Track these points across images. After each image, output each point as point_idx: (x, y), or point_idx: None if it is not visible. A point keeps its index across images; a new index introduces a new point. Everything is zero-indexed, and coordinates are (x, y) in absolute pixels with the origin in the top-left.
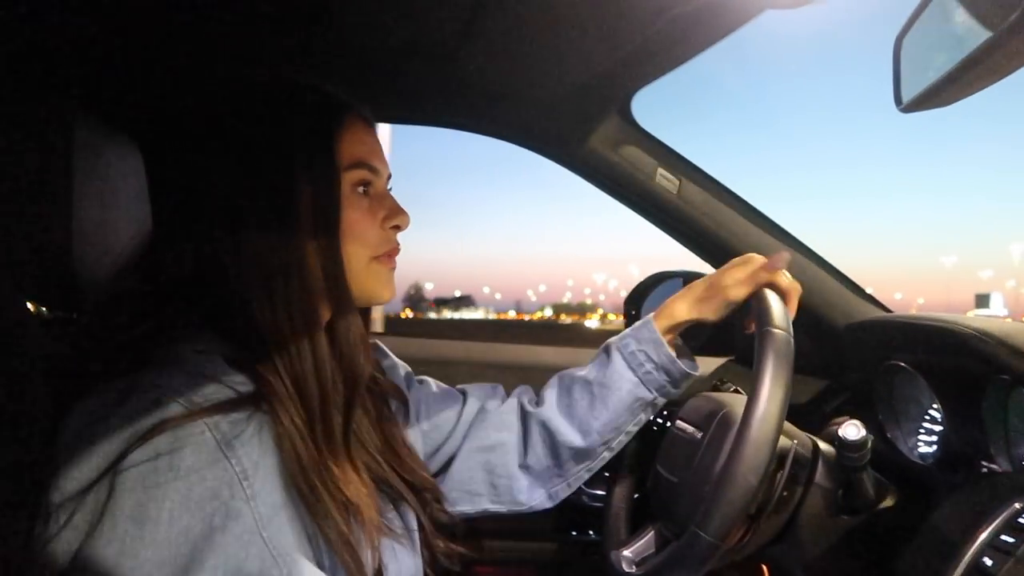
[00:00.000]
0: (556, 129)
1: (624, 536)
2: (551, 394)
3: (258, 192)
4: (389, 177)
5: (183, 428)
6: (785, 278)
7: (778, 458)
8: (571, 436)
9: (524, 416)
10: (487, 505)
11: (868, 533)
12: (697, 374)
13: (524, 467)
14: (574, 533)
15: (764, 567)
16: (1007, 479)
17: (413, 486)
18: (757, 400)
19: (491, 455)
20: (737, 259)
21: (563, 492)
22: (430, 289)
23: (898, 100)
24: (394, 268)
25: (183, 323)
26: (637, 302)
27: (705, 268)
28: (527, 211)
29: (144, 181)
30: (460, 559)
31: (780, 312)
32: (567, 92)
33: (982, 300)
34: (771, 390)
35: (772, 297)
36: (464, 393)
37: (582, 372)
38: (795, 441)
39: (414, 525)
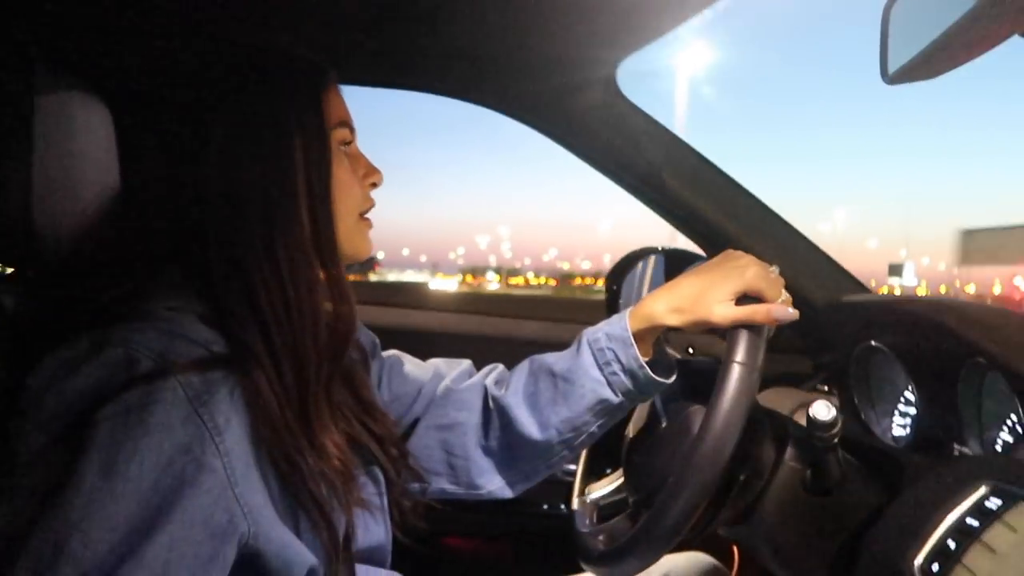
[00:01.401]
0: (539, 98)
1: (595, 506)
2: (518, 379)
3: (251, 152)
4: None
5: (154, 384)
6: (773, 272)
7: (738, 458)
8: (529, 427)
9: (486, 398)
10: (445, 485)
11: (836, 513)
12: (667, 383)
13: (485, 450)
14: (545, 507)
15: (734, 546)
16: (976, 462)
17: (381, 441)
18: (709, 428)
19: (449, 434)
20: (726, 265)
21: (521, 485)
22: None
23: (884, 72)
24: (371, 226)
25: (156, 281)
26: (618, 277)
27: (687, 244)
28: (450, 170)
29: (112, 137)
30: (427, 517)
31: (754, 347)
32: (551, 60)
33: (895, 269)
34: (725, 421)
35: (751, 332)
36: (432, 368)
37: (551, 360)
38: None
39: (383, 489)
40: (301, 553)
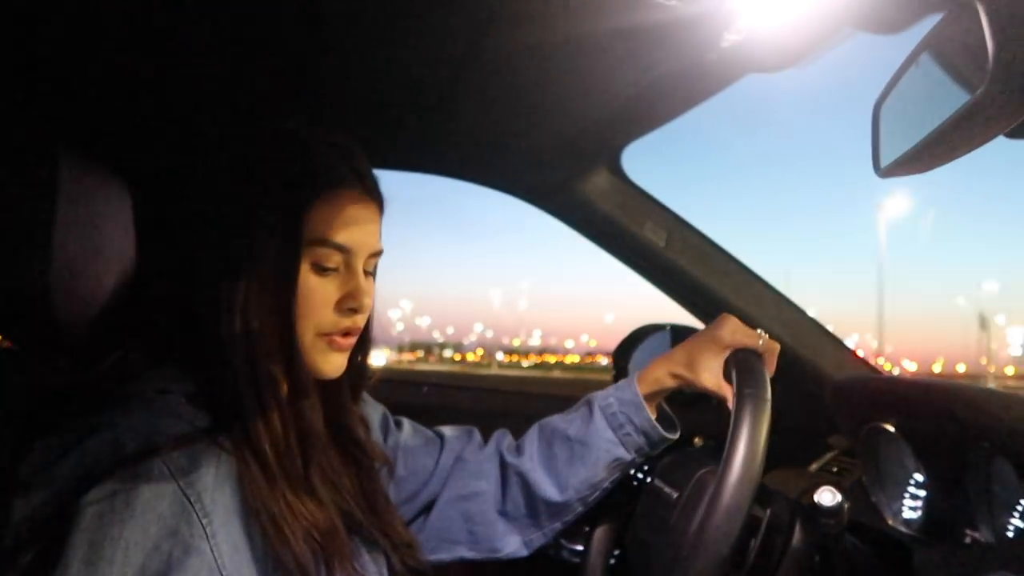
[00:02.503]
0: (545, 180)
1: None
2: (531, 446)
3: (224, 247)
4: (378, 255)
5: (140, 466)
6: (762, 338)
7: (750, 526)
8: (548, 490)
9: (503, 465)
10: (464, 552)
11: None
12: (675, 438)
13: (502, 513)
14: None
15: None
16: (988, 551)
17: (386, 532)
18: (731, 466)
19: (470, 504)
20: (711, 330)
21: (538, 541)
22: None
23: (876, 165)
24: (345, 348)
25: (146, 362)
26: (625, 354)
27: (691, 320)
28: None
29: (131, 223)
30: None
31: (758, 375)
32: (556, 145)
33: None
34: (745, 455)
35: (751, 359)
36: (441, 437)
37: (563, 426)
38: (768, 510)
39: (385, 571)
40: None
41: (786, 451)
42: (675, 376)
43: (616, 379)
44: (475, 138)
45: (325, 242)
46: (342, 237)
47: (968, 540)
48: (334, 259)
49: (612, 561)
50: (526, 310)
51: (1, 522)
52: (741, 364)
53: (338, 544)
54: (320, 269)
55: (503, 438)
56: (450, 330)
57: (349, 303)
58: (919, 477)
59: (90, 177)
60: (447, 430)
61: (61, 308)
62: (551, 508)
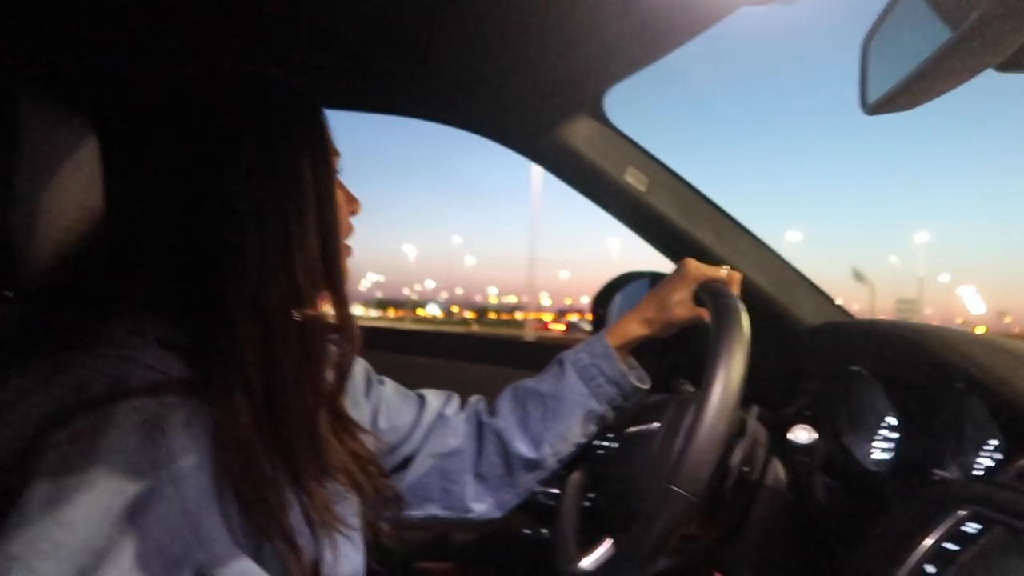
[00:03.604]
0: (526, 123)
1: (576, 539)
2: (505, 405)
3: (260, 179)
4: None
5: (106, 408)
6: (725, 270)
7: (739, 423)
8: (523, 447)
9: (479, 425)
10: (436, 511)
11: (817, 537)
12: (646, 387)
13: (477, 475)
14: (526, 532)
15: (714, 573)
16: (955, 487)
17: (361, 460)
18: (719, 357)
19: (447, 462)
20: (676, 272)
21: (512, 501)
22: None
23: (864, 102)
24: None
25: (121, 305)
26: (605, 302)
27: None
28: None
29: (97, 162)
30: (404, 542)
31: (728, 291)
32: (538, 87)
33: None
34: (734, 348)
35: (719, 283)
36: (422, 398)
37: (536, 385)
38: (742, 444)
39: (359, 511)
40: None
41: (762, 395)
42: (647, 322)
43: (594, 328)
44: (453, 80)
45: (335, 152)
46: (334, 144)
47: (936, 478)
48: (338, 168)
49: (587, 504)
50: (486, 268)
51: None
52: (711, 286)
53: (320, 506)
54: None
55: (479, 402)
56: (419, 288)
57: (353, 206)
58: (891, 419)
59: (53, 116)
60: (428, 392)
61: (23, 248)
62: (526, 465)
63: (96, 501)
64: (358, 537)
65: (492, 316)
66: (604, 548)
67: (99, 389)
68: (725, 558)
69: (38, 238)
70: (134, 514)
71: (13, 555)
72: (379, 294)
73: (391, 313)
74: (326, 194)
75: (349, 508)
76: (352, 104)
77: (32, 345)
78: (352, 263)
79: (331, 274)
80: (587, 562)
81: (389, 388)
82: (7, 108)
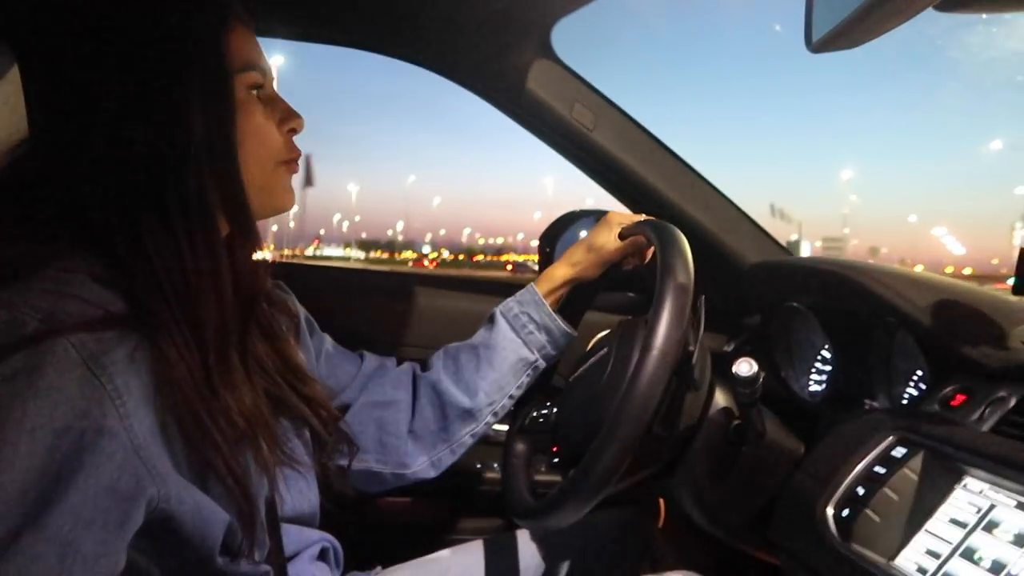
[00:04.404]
0: (471, 55)
1: (526, 472)
2: (438, 361)
3: (145, 99)
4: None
5: (43, 345)
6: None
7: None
8: (458, 397)
9: (415, 378)
10: (372, 464)
11: (757, 464)
12: (574, 333)
13: (414, 429)
14: (478, 465)
15: (660, 501)
16: (885, 415)
17: (309, 401)
18: (669, 264)
19: (385, 412)
20: (600, 221)
21: (447, 459)
22: None
23: (808, 40)
24: (295, 173)
25: (50, 240)
26: (552, 240)
27: (618, 206)
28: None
29: (17, 87)
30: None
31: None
32: (485, 19)
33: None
34: (679, 257)
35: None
36: (362, 354)
37: (468, 341)
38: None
39: (311, 450)
40: (216, 512)
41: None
42: (573, 264)
43: (541, 266)
44: (398, 11)
45: (251, 65)
46: (259, 59)
47: (867, 407)
48: (259, 82)
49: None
50: (452, 208)
51: None
52: (646, 223)
53: (265, 432)
54: (254, 94)
55: (414, 364)
56: (400, 227)
57: (289, 123)
58: (826, 353)
59: None
60: (364, 352)
61: None
62: (461, 415)
63: (39, 440)
64: (311, 475)
65: (479, 258)
66: (555, 477)
67: (33, 326)
68: (669, 486)
69: None
70: (81, 452)
71: None
72: (364, 234)
73: (379, 255)
74: (217, 124)
75: (300, 447)
76: (299, 35)
77: None
78: (319, 202)
79: (229, 211)
80: (535, 494)
81: (329, 341)
82: None
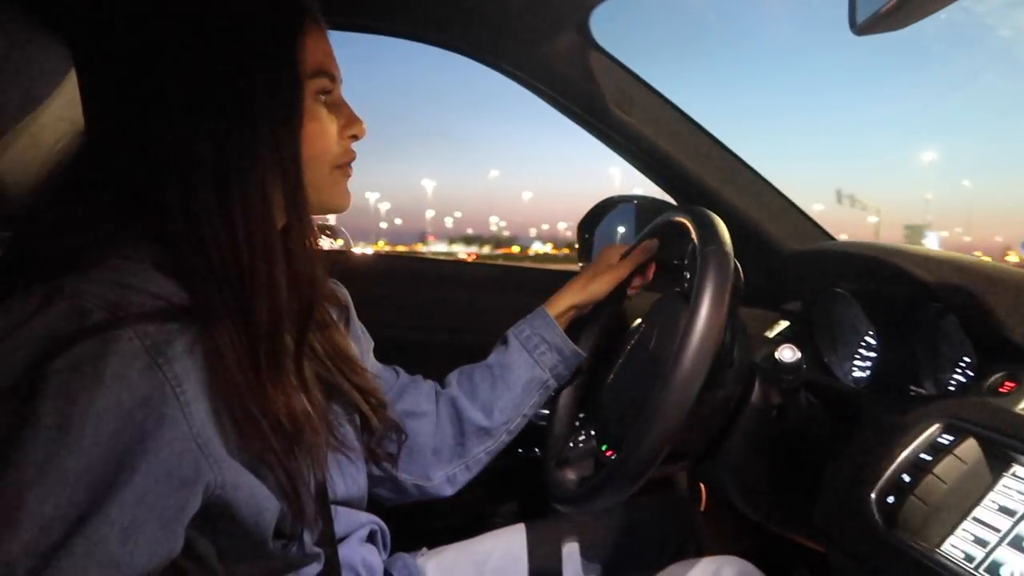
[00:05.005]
0: (510, 42)
1: (565, 454)
2: (454, 379)
3: (214, 99)
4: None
5: (108, 335)
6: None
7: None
8: (475, 414)
9: (436, 395)
10: (398, 472)
11: (800, 451)
12: (585, 355)
13: (437, 442)
14: (520, 450)
15: (702, 485)
16: (931, 402)
17: (361, 390)
18: (705, 275)
19: (417, 422)
20: (601, 254)
21: (461, 476)
22: None
23: (852, 22)
24: (350, 176)
25: (114, 231)
26: (591, 226)
27: (658, 192)
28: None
29: (74, 82)
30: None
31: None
32: (523, 4)
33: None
34: (718, 243)
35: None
36: (395, 368)
37: (482, 362)
38: (732, 364)
39: (360, 435)
40: (269, 499)
41: (748, 319)
42: (585, 290)
43: (581, 255)
44: None
45: (321, 71)
46: (329, 65)
47: (913, 394)
48: (328, 88)
49: (577, 423)
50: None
51: None
52: (683, 208)
53: (316, 424)
54: (321, 100)
55: (434, 383)
56: (501, 222)
57: (351, 130)
58: (870, 339)
59: (23, 34)
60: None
61: (4, 177)
62: (478, 433)
63: (104, 427)
64: (361, 460)
65: None
66: (595, 465)
67: (99, 315)
68: (711, 471)
69: (18, 163)
70: (144, 439)
71: (28, 479)
72: (469, 230)
73: (487, 251)
74: (286, 131)
75: (351, 432)
76: (340, 24)
77: (25, 273)
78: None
79: (292, 205)
80: (578, 478)
81: (371, 350)
82: None
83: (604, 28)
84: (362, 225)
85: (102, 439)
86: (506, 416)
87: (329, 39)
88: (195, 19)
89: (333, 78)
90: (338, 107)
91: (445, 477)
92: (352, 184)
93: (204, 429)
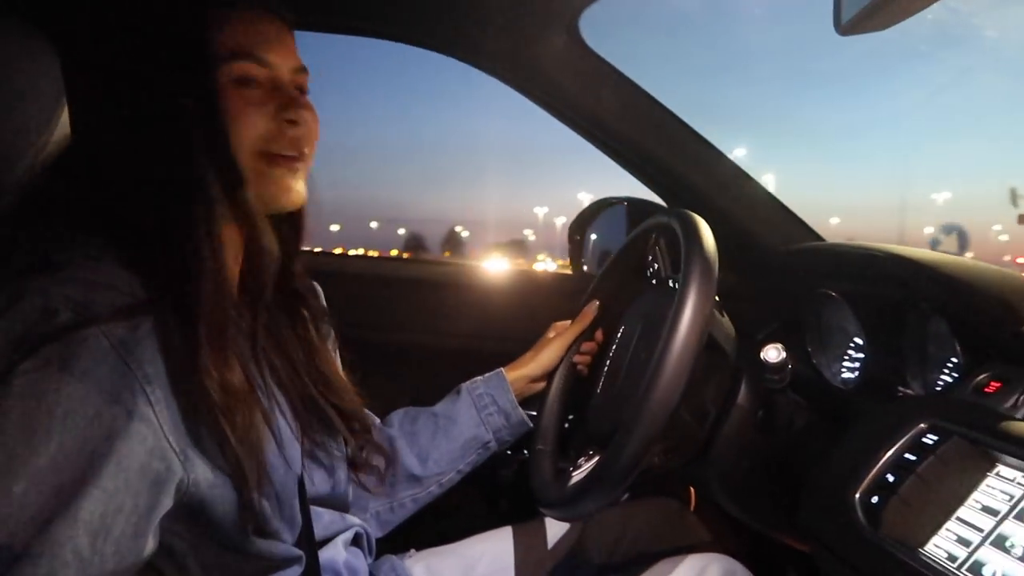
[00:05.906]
0: (499, 44)
1: (553, 459)
2: (396, 419)
3: (139, 90)
4: (303, 72)
5: (76, 335)
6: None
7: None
8: (410, 460)
9: (377, 431)
10: (370, 490)
11: (785, 451)
12: (531, 425)
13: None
14: (509, 452)
15: (691, 489)
16: (916, 402)
17: (342, 413)
18: (689, 275)
19: None
20: (551, 328)
21: (385, 516)
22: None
23: (837, 22)
24: (297, 170)
25: (76, 229)
26: (582, 228)
27: (647, 194)
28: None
29: (59, 84)
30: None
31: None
32: (512, 5)
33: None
34: (701, 244)
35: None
36: None
37: (429, 408)
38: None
39: (342, 451)
40: (231, 489)
41: (734, 319)
42: (528, 366)
43: (572, 257)
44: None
45: (241, 54)
46: (257, 49)
47: (900, 394)
48: (254, 71)
49: (566, 425)
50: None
51: None
52: (668, 211)
53: (250, 405)
54: (244, 83)
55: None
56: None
57: (286, 114)
58: (858, 339)
59: (12, 40)
60: None
61: None
62: (408, 479)
63: (72, 426)
64: (343, 464)
65: None
66: (582, 466)
67: (66, 316)
68: (698, 473)
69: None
70: (113, 437)
71: (1, 475)
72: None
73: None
74: (207, 110)
75: (332, 441)
76: (322, 26)
77: None
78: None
79: (230, 197)
80: (564, 482)
81: None
82: None
83: (593, 30)
84: (546, 241)
85: (70, 439)
86: (440, 468)
87: (273, 26)
88: (112, 17)
89: (262, 61)
90: (274, 91)
91: (375, 512)
92: (519, 199)
93: (175, 425)
